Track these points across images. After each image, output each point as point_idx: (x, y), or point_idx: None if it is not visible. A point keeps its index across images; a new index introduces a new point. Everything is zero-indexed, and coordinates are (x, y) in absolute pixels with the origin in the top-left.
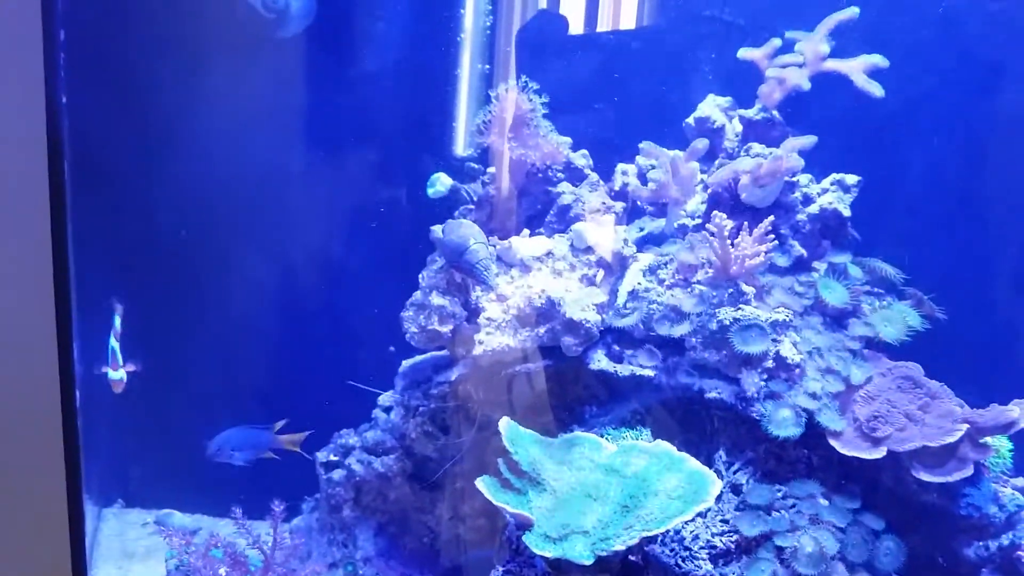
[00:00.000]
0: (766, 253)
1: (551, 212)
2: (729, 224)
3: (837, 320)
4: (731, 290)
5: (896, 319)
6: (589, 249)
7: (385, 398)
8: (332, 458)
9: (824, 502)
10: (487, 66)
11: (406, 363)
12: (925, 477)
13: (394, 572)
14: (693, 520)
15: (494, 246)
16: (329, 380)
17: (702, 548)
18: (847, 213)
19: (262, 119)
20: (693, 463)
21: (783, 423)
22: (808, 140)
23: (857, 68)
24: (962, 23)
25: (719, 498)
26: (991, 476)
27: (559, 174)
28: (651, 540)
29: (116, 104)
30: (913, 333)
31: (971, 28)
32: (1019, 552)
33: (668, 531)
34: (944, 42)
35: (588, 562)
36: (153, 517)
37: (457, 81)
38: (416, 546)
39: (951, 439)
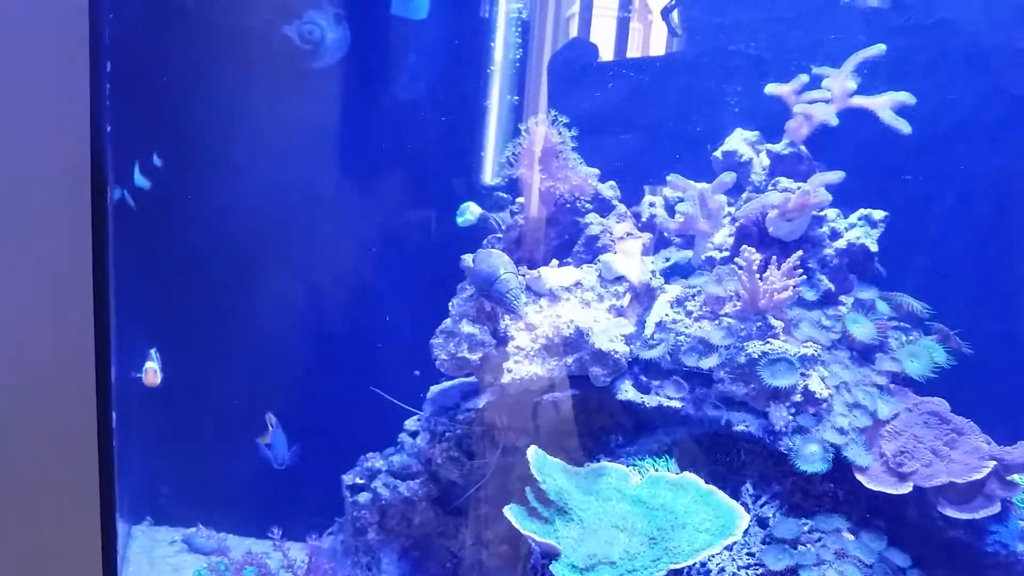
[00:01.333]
0: (794, 287)
1: (579, 242)
2: (757, 258)
3: (864, 355)
4: (759, 323)
5: (922, 354)
6: (618, 280)
7: (411, 423)
8: (358, 481)
9: (850, 537)
10: (516, 97)
11: (434, 389)
12: (951, 513)
13: None
14: (720, 553)
15: (523, 275)
16: (357, 403)
17: None
18: (874, 248)
19: (297, 147)
20: (721, 496)
21: (811, 458)
22: (836, 175)
23: (884, 105)
24: (990, 59)
25: (746, 531)
26: (1018, 513)
27: (587, 205)
28: (678, 573)
29: (156, 130)
30: (939, 369)
31: (999, 64)
32: None
33: (695, 565)
34: (973, 78)
35: None
36: (181, 535)
37: (487, 112)
38: (439, 571)
39: (978, 475)
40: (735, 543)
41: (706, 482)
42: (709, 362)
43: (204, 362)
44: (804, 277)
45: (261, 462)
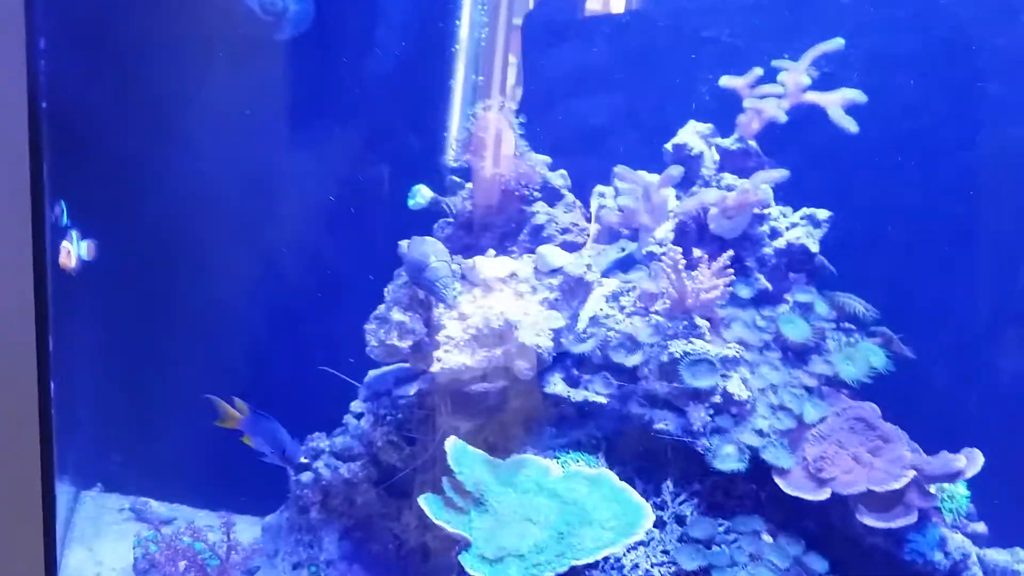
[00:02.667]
0: (725, 287)
1: (524, 231)
2: (680, 258)
3: (800, 356)
4: (686, 323)
5: (858, 358)
6: (553, 272)
7: (357, 405)
8: (302, 460)
9: (768, 539)
10: (480, 77)
11: (372, 373)
12: (869, 521)
13: None
14: (634, 549)
15: (458, 265)
16: (303, 382)
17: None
18: (815, 248)
19: (253, 120)
20: (631, 494)
21: (727, 458)
22: (778, 174)
23: (835, 102)
24: (948, 60)
25: (663, 528)
26: (945, 522)
27: (536, 193)
28: (592, 567)
29: (108, 101)
30: (875, 373)
31: (957, 67)
32: None
33: (609, 559)
34: (951, 73)
35: None
36: (130, 503)
37: (449, 92)
38: (381, 551)
39: (897, 485)
40: (650, 540)
41: (631, 478)
42: (634, 359)
43: (157, 334)
44: (732, 277)
45: (217, 434)
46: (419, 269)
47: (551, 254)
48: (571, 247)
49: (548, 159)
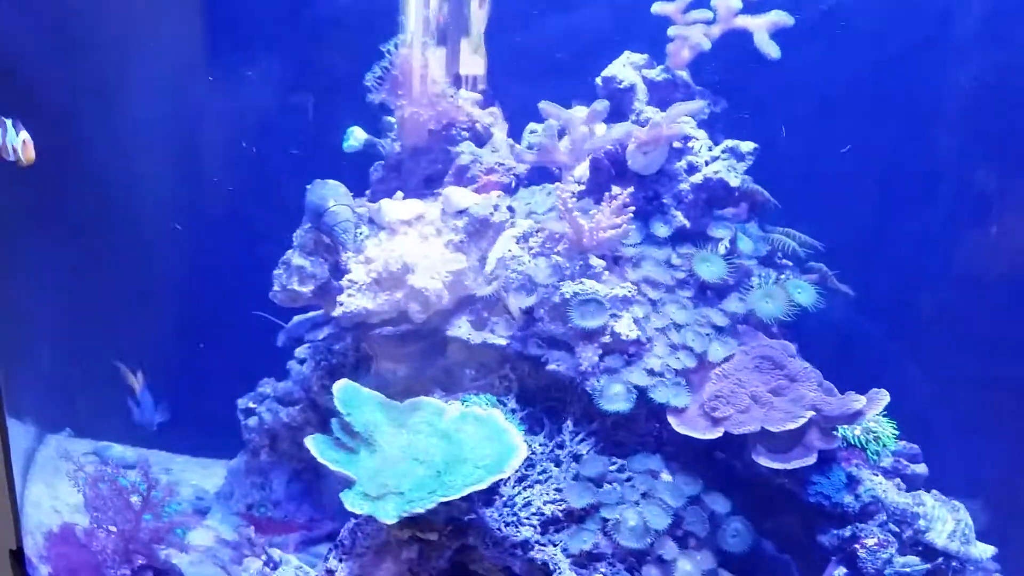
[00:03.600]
0: (624, 226)
1: (449, 172)
2: (571, 197)
3: (721, 294)
4: (582, 262)
5: (779, 296)
6: (459, 213)
7: (302, 350)
8: (250, 405)
9: (667, 478)
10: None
11: (297, 318)
12: (764, 462)
13: (304, 516)
14: (531, 487)
15: (366, 207)
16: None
17: (534, 515)
18: (735, 182)
19: (178, 63)
20: (511, 434)
21: (614, 398)
22: (696, 105)
23: (761, 26)
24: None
25: (560, 466)
26: (867, 463)
27: (463, 132)
28: (487, 503)
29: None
30: (798, 311)
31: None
32: (857, 544)
33: (505, 497)
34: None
35: (391, 521)
36: (93, 447)
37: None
38: (328, 492)
39: (792, 425)
40: (538, 480)
41: (540, 419)
42: (529, 300)
43: (113, 282)
44: (629, 215)
45: (185, 380)
46: (318, 213)
47: (456, 195)
48: (497, 188)
49: (478, 96)
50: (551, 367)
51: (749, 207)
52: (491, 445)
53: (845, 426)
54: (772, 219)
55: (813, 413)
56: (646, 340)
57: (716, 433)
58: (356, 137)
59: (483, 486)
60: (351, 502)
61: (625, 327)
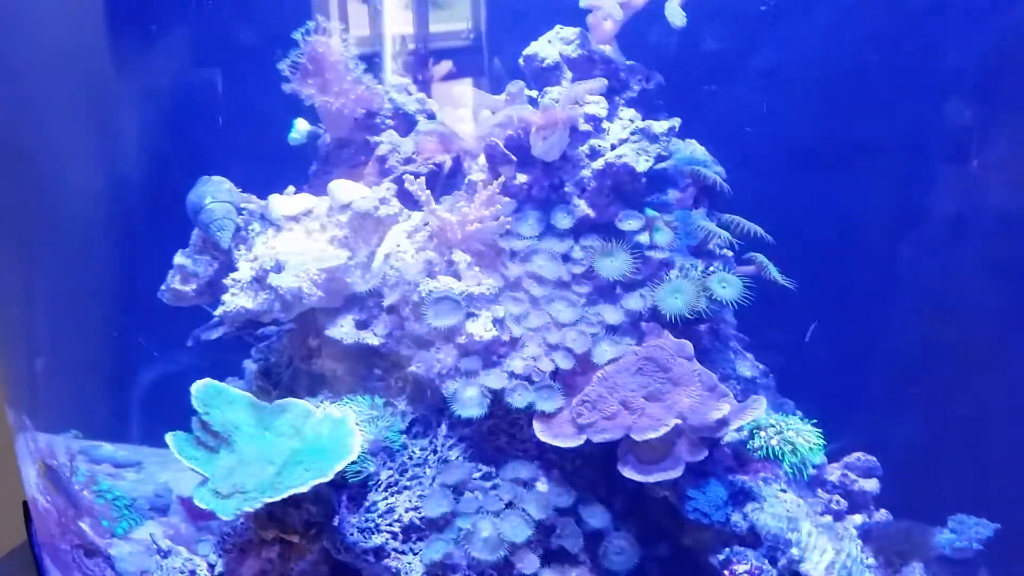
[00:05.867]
0: (503, 217)
1: (369, 164)
2: (421, 188)
3: (630, 288)
4: (447, 258)
5: (688, 290)
6: (343, 208)
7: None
8: None
9: (543, 488)
10: None
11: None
12: (628, 473)
13: None
14: (399, 493)
15: (256, 203)
16: None
17: (396, 521)
18: (641, 168)
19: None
20: (352, 437)
21: (468, 403)
22: (592, 84)
23: None
24: None
25: (424, 467)
26: (780, 477)
27: (388, 121)
28: (353, 508)
29: None
30: (707, 307)
31: None
32: (727, 571)
33: (371, 504)
34: None
35: (227, 517)
36: (79, 446)
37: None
38: None
39: (654, 434)
40: (407, 486)
41: (426, 420)
42: (391, 299)
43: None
44: (498, 207)
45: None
46: (196, 211)
47: (340, 189)
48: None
49: (405, 81)
50: (411, 369)
51: (697, 192)
52: (333, 447)
53: (763, 435)
54: (728, 205)
55: (679, 421)
56: (510, 340)
57: (577, 441)
58: (299, 129)
59: (304, 489)
60: (199, 497)
61: (480, 327)
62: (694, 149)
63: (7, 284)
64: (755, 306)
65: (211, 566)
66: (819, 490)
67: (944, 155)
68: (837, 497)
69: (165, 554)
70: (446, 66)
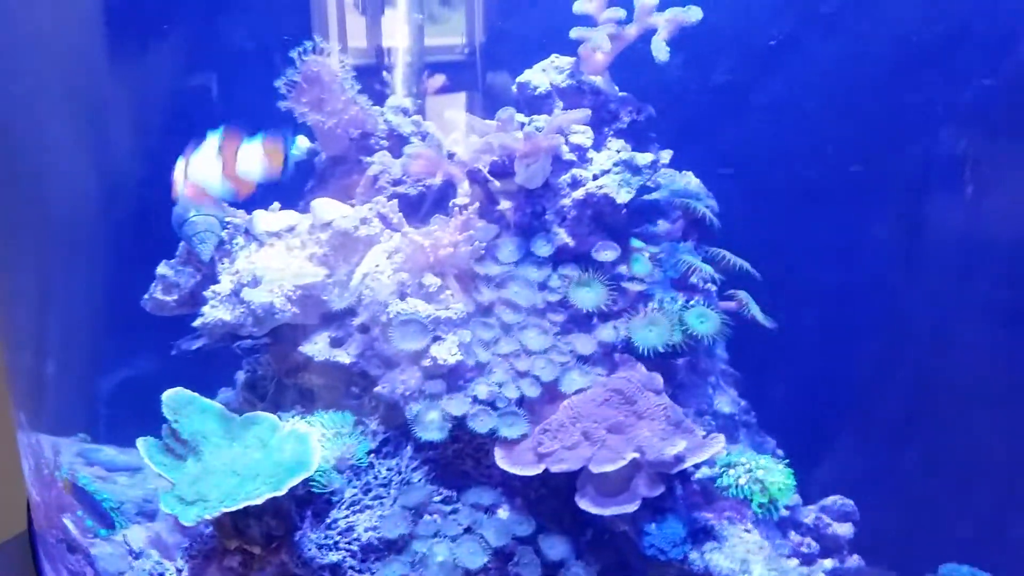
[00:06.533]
0: (477, 243)
1: (361, 183)
2: (389, 210)
3: (608, 319)
4: (418, 281)
5: (663, 324)
6: (324, 226)
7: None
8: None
9: (504, 514)
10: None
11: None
12: (584, 505)
13: None
14: (360, 512)
15: (237, 218)
16: None
17: (354, 540)
18: (622, 199)
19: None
20: (313, 455)
21: (429, 426)
22: (576, 115)
23: (664, 25)
24: None
25: (389, 488)
26: (750, 516)
27: (382, 141)
28: (315, 524)
29: None
30: (690, 341)
31: None
32: None
33: (331, 520)
34: None
35: (188, 524)
36: (78, 449)
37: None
38: None
39: (612, 467)
40: (368, 505)
41: (396, 441)
42: (361, 318)
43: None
44: (470, 232)
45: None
46: (180, 223)
47: (322, 207)
48: (403, 199)
49: (407, 104)
50: (377, 389)
51: (687, 225)
52: (292, 463)
53: (732, 472)
54: (720, 240)
55: (637, 455)
56: (477, 365)
57: (535, 470)
58: (299, 146)
59: (259, 501)
60: (164, 503)
61: (445, 351)
62: (688, 181)
63: (17, 285)
64: (742, 342)
65: (179, 571)
66: (792, 532)
67: (950, 188)
68: (809, 540)
69: (137, 555)
70: (440, 79)
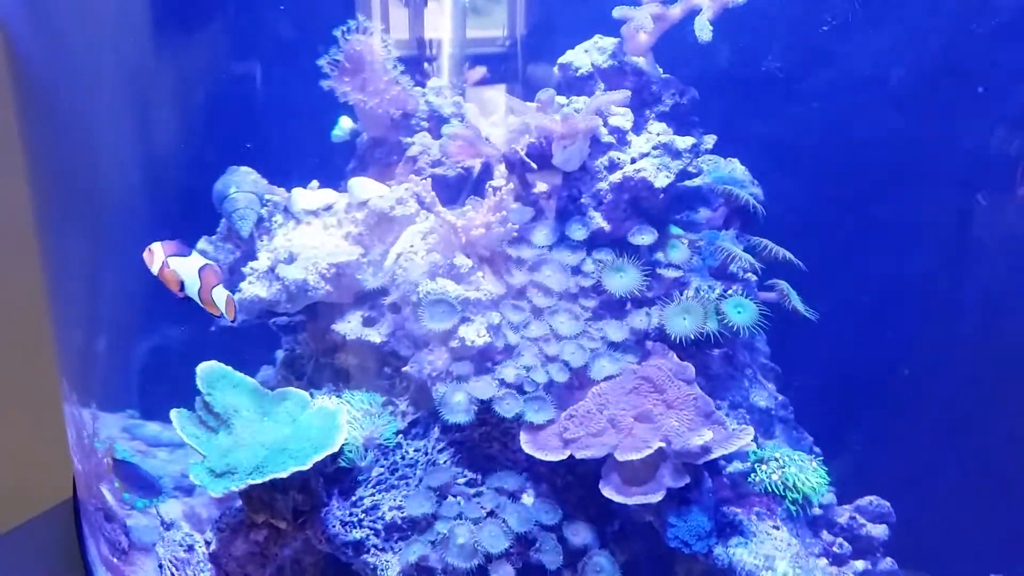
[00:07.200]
0: (511, 224)
1: (401, 163)
2: (424, 190)
3: (641, 305)
4: (450, 261)
5: (697, 312)
6: (360, 206)
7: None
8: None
9: (528, 500)
10: None
11: None
12: (608, 493)
13: None
14: (386, 492)
15: (276, 196)
16: None
17: (379, 519)
18: (660, 183)
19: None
20: (340, 432)
21: (455, 408)
22: (614, 96)
23: (708, 3)
24: None
25: (415, 468)
26: (780, 514)
27: (423, 122)
28: (343, 501)
29: None
30: (720, 332)
31: None
32: None
33: (358, 499)
34: None
35: (215, 495)
36: (122, 425)
37: None
38: None
39: (637, 455)
40: (394, 485)
41: (426, 422)
42: (392, 297)
43: None
44: (503, 214)
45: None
46: (220, 199)
47: (359, 186)
48: (441, 180)
49: (443, 83)
50: (406, 369)
51: (729, 213)
52: (319, 439)
53: (764, 468)
54: (760, 228)
55: (663, 444)
56: (506, 348)
57: (561, 455)
58: (341, 127)
59: (283, 475)
60: (194, 473)
61: (473, 332)
62: (733, 168)
63: (69, 260)
64: (784, 336)
65: (207, 543)
66: (824, 532)
67: (1003, 183)
68: (841, 540)
69: (168, 526)
70: (480, 71)
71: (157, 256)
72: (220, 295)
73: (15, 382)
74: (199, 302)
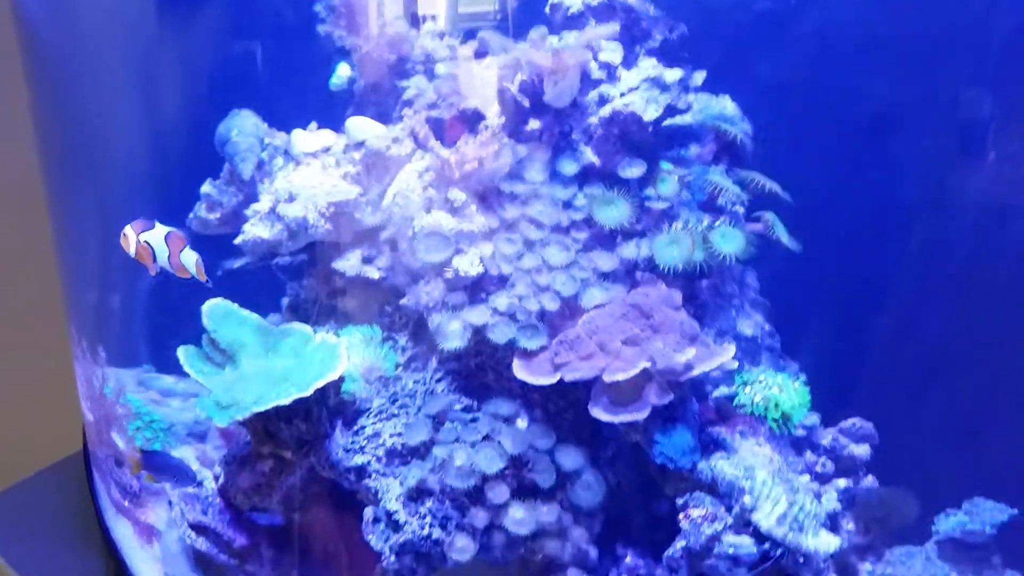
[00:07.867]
0: (504, 159)
1: (397, 107)
2: (420, 126)
3: (630, 238)
4: (445, 195)
5: (685, 242)
6: (358, 146)
7: None
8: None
9: (523, 425)
10: None
11: None
12: (596, 413)
13: None
14: (388, 420)
15: (276, 139)
16: None
17: (380, 445)
18: (649, 117)
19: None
20: (339, 361)
21: (451, 336)
22: (602, 30)
23: None
24: None
25: (414, 399)
26: (757, 432)
27: (418, 67)
28: (345, 431)
29: None
30: (707, 262)
31: None
32: (682, 514)
33: (359, 428)
34: None
35: (222, 425)
36: (136, 376)
37: None
38: None
39: (623, 375)
40: (395, 414)
41: (425, 356)
42: (388, 232)
43: None
44: (494, 148)
45: None
46: (222, 143)
47: (356, 126)
48: (439, 123)
49: (437, 27)
50: (403, 302)
51: (718, 148)
52: (320, 368)
53: (748, 390)
54: (750, 163)
55: (648, 364)
56: (499, 279)
57: (551, 379)
58: (339, 74)
59: (286, 402)
60: (201, 406)
61: (467, 263)
62: (724, 105)
63: (81, 216)
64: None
65: (216, 477)
66: (808, 452)
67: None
68: (824, 460)
69: None
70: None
71: (131, 237)
72: (189, 257)
73: (24, 340)
74: (171, 270)
